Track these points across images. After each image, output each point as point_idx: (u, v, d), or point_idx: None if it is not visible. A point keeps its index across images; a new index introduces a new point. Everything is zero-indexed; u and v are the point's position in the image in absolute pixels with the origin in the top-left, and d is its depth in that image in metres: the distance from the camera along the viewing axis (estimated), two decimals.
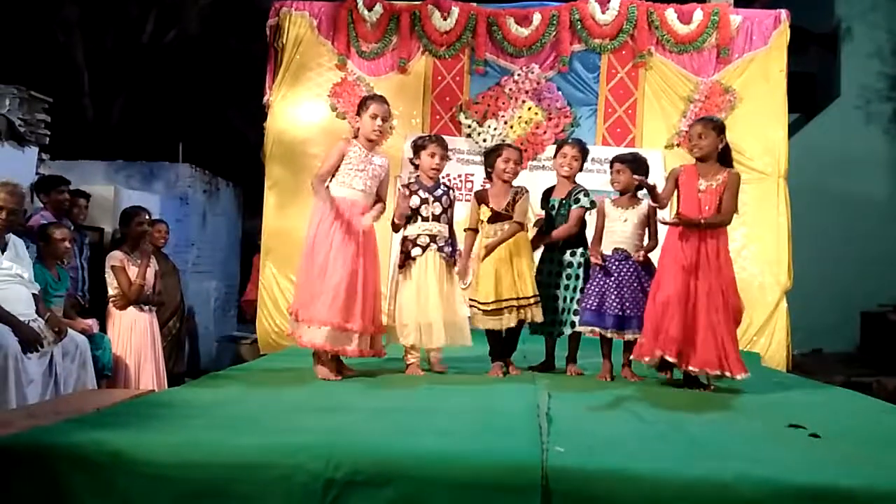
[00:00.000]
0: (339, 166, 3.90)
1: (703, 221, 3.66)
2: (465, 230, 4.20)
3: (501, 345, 4.10)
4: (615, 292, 3.93)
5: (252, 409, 2.92)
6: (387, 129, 4.05)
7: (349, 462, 2.20)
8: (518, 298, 3.95)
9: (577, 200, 4.15)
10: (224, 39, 10.77)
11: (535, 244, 4.18)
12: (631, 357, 3.91)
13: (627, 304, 3.92)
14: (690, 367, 3.63)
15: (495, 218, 4.04)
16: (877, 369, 7.93)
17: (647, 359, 3.72)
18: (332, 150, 3.98)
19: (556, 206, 4.19)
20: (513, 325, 3.98)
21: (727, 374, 3.61)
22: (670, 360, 3.62)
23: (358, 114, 4.02)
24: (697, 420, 3.01)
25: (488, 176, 4.26)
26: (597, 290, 3.98)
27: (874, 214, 9.57)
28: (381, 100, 4.07)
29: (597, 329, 3.97)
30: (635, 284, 3.94)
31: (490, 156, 4.21)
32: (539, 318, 4.01)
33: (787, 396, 3.77)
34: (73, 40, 10.49)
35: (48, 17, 10.38)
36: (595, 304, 3.96)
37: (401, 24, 6.46)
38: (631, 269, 3.97)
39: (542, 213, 4.29)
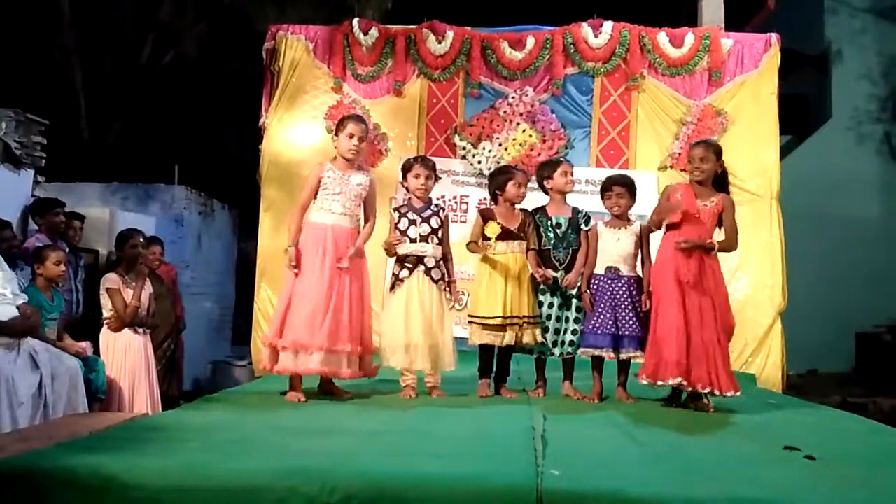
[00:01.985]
0: (316, 191, 3.96)
1: (715, 245, 3.75)
2: (467, 245, 4.17)
3: (493, 364, 4.11)
4: (609, 312, 3.96)
5: (246, 433, 2.91)
6: (363, 148, 4.07)
7: (344, 486, 2.19)
8: (522, 317, 3.98)
9: (586, 221, 4.19)
10: (221, 63, 10.85)
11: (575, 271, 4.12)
12: (638, 377, 3.88)
13: (621, 322, 3.95)
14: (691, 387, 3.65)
15: (506, 236, 4.07)
16: (872, 390, 7.93)
17: (646, 380, 3.74)
18: (310, 176, 4.04)
19: (564, 224, 4.17)
20: (512, 342, 3.99)
21: (716, 392, 3.64)
22: (673, 383, 3.64)
23: (336, 134, 4.07)
24: (692, 442, 3.01)
25: (493, 197, 4.25)
26: (593, 311, 4.01)
27: (867, 235, 9.62)
28: (359, 119, 4.16)
29: (595, 351, 3.99)
30: (628, 302, 3.97)
31: (498, 178, 4.22)
32: (539, 339, 4.03)
33: (782, 418, 3.76)
34: (71, 63, 10.56)
35: (47, 41, 10.45)
36: (591, 326, 4.00)
37: (396, 47, 6.52)
38: (623, 288, 3.99)
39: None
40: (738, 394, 3.68)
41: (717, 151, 3.91)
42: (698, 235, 3.76)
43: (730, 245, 3.84)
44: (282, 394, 3.88)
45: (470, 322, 4.09)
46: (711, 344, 3.66)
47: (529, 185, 4.31)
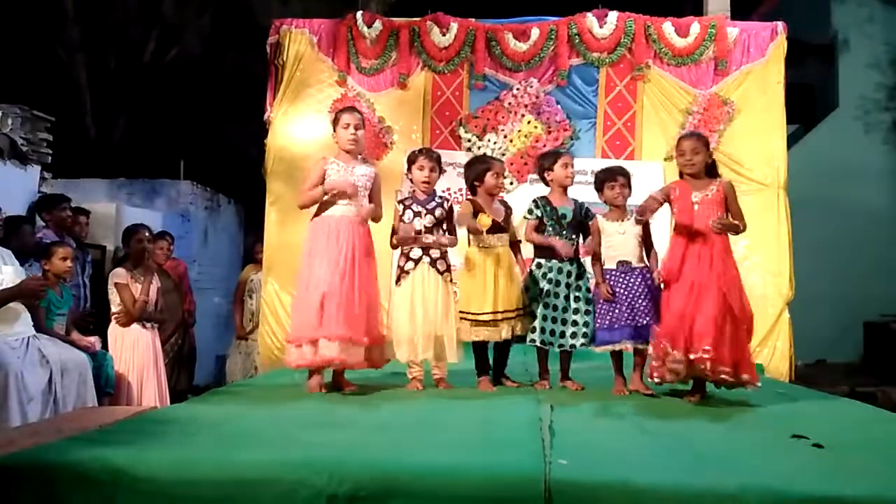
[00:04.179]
0: (321, 182, 3.95)
1: (732, 223, 3.73)
2: (456, 219, 4.08)
3: (488, 361, 4.11)
4: (626, 304, 3.90)
5: (254, 426, 2.92)
6: (361, 137, 4.07)
7: (352, 477, 2.19)
8: (514, 310, 3.98)
9: (587, 213, 4.16)
10: (225, 57, 10.85)
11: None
12: (653, 376, 3.81)
13: (639, 313, 3.89)
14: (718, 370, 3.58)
15: (496, 229, 4.06)
16: (881, 379, 7.90)
17: (657, 377, 3.73)
18: (313, 168, 4.05)
19: (569, 216, 4.12)
20: (509, 336, 3.99)
21: (741, 376, 3.61)
22: (700, 366, 3.57)
23: (333, 129, 4.08)
24: (701, 431, 3.01)
25: (471, 188, 4.20)
26: (607, 307, 3.95)
27: (875, 224, 9.57)
28: (351, 109, 4.20)
29: (616, 346, 3.92)
30: (646, 292, 3.92)
31: (476, 167, 4.17)
32: (525, 330, 4.01)
33: (790, 407, 3.75)
34: (76, 60, 10.59)
35: (51, 38, 10.47)
36: (607, 321, 3.94)
37: (400, 40, 6.50)
38: (638, 279, 3.96)
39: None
40: (757, 383, 3.65)
41: (706, 143, 3.90)
42: (694, 232, 3.73)
43: (741, 229, 3.81)
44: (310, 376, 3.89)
45: (462, 318, 4.00)
46: (733, 331, 3.61)
47: (531, 177, 4.29)
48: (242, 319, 6.47)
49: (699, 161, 3.82)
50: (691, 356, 3.57)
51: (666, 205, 3.90)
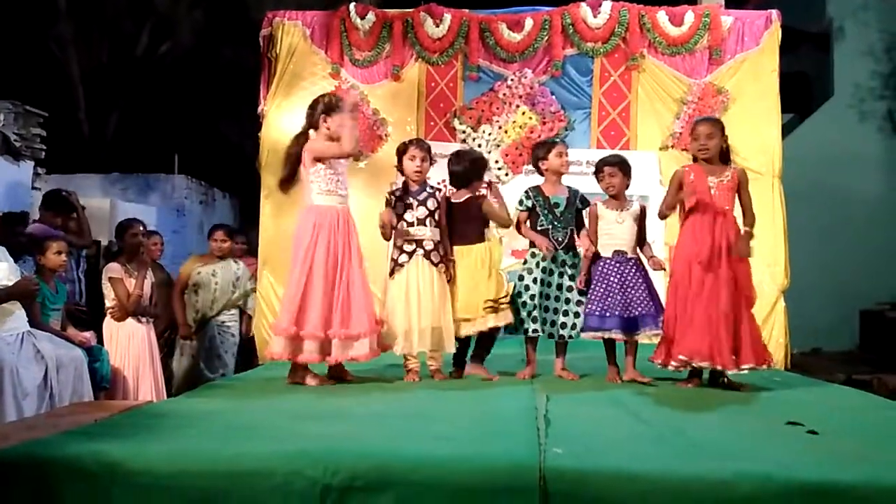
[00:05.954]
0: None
1: (751, 232, 3.77)
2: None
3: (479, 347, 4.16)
4: (619, 294, 3.91)
5: (249, 418, 2.92)
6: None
7: (347, 468, 2.19)
8: (500, 300, 4.02)
9: (584, 202, 4.17)
10: (217, 51, 10.81)
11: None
12: (652, 360, 3.88)
13: (633, 303, 3.90)
14: (720, 367, 3.67)
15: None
16: (877, 367, 7.92)
17: (659, 363, 3.78)
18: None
19: (563, 204, 4.15)
20: (493, 325, 4.02)
21: (728, 368, 3.67)
22: (698, 365, 3.67)
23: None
24: (696, 419, 3.02)
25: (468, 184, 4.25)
26: (600, 294, 3.96)
27: (870, 212, 9.59)
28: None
29: (606, 334, 3.94)
30: (640, 282, 3.94)
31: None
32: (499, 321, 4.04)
33: (786, 395, 3.76)
34: (68, 55, 10.55)
35: (43, 33, 10.42)
36: (598, 308, 3.94)
37: (393, 31, 6.47)
38: (633, 269, 3.97)
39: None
40: (764, 366, 3.73)
41: (722, 127, 3.92)
42: (714, 214, 3.75)
43: (752, 220, 3.84)
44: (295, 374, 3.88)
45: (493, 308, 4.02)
46: (740, 320, 3.68)
47: (526, 167, 4.30)
48: (185, 317, 5.72)
49: (713, 146, 3.84)
50: (718, 367, 3.67)
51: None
